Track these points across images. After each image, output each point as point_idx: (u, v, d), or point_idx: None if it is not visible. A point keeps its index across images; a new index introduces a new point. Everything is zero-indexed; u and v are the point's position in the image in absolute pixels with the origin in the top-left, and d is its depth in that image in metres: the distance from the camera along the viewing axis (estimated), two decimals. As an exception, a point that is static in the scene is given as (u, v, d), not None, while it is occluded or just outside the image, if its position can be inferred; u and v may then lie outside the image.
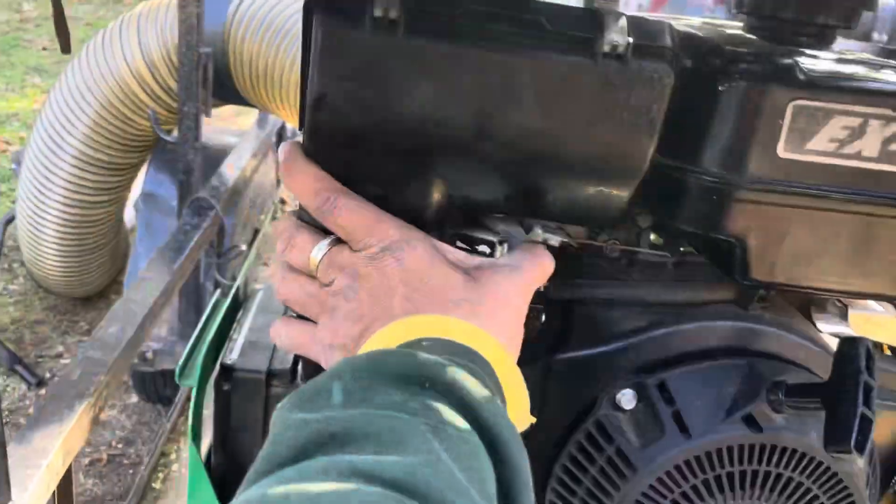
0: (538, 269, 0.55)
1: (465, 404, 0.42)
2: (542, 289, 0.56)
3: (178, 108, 2.25)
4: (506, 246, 0.57)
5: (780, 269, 0.58)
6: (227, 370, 0.78)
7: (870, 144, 0.54)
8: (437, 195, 0.55)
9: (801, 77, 0.53)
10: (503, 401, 0.48)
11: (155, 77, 2.43)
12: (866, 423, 0.54)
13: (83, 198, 2.56)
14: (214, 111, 2.36)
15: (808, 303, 0.71)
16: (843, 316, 0.70)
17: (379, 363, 0.44)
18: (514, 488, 0.42)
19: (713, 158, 0.55)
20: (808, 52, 0.57)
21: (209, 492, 0.76)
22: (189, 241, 1.94)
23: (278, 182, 3.06)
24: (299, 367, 0.77)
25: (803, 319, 0.69)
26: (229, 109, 3.08)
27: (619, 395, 0.63)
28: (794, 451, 0.61)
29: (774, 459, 0.61)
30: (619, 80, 0.51)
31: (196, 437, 0.77)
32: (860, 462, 0.62)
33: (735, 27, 0.63)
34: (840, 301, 0.70)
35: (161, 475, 2.26)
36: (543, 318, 0.60)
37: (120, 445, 2.38)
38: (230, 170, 2.44)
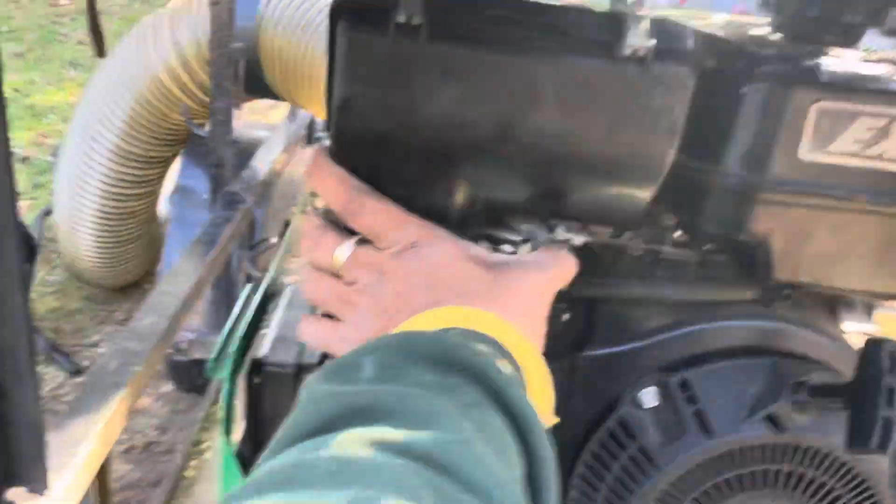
0: (561, 268, 0.55)
1: (494, 391, 0.42)
2: (564, 289, 0.57)
3: (210, 103, 2.28)
4: (529, 246, 0.58)
5: (803, 269, 0.58)
6: (257, 364, 0.80)
7: (893, 146, 0.54)
8: (460, 196, 0.56)
9: (824, 79, 0.53)
10: (525, 391, 0.47)
11: (188, 72, 2.46)
12: (889, 424, 0.54)
13: (120, 190, 2.60)
14: (248, 105, 2.38)
15: (833, 301, 0.71)
16: (869, 315, 0.70)
17: (410, 343, 0.44)
18: (539, 478, 0.41)
19: (736, 160, 0.56)
20: (831, 52, 0.57)
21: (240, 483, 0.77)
22: (221, 233, 1.96)
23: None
24: (327, 361, 0.78)
25: (828, 318, 0.69)
26: (263, 103, 3.11)
27: (641, 394, 0.63)
28: (817, 450, 0.61)
29: (797, 459, 0.61)
30: (640, 83, 0.52)
31: (227, 430, 0.78)
32: (883, 462, 0.62)
33: (761, 25, 0.63)
34: (865, 300, 0.70)
35: (194, 463, 2.31)
36: (566, 317, 0.61)
37: (154, 433, 2.43)
38: (261, 163, 2.47)
